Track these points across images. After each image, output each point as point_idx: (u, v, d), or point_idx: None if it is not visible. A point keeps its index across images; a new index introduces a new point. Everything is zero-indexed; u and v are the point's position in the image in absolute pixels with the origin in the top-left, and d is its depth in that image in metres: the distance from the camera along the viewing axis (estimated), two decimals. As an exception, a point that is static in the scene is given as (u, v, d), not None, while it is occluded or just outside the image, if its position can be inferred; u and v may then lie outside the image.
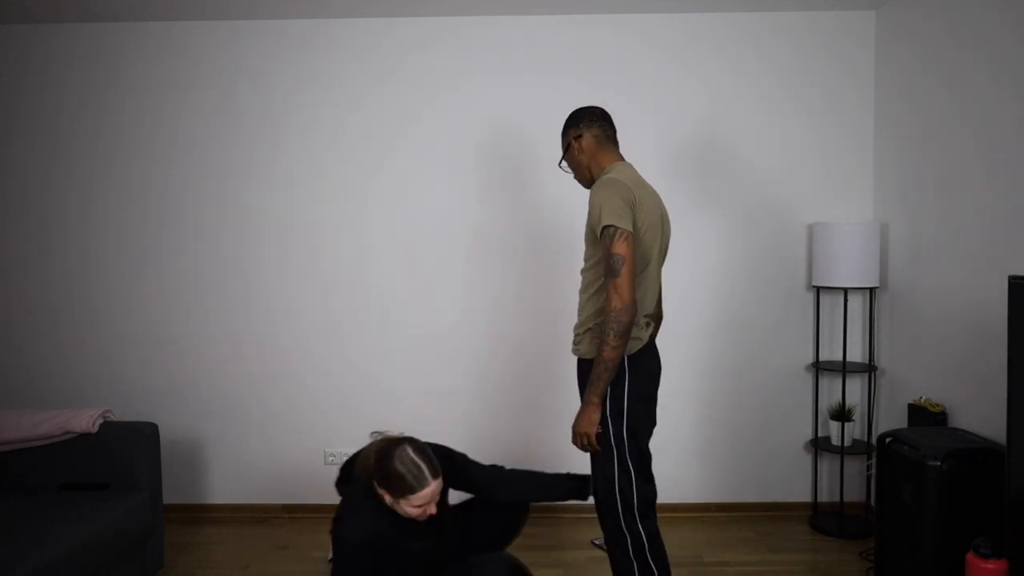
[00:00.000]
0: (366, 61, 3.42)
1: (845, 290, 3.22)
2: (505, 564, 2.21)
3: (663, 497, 3.50)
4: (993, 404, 2.59)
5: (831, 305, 3.45)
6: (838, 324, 3.44)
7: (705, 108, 3.41)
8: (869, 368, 3.28)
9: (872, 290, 3.34)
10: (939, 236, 2.92)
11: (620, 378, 2.07)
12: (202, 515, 3.51)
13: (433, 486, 2.01)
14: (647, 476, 2.14)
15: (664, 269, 3.44)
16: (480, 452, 3.49)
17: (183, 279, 3.48)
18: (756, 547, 3.13)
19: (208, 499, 3.53)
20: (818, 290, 3.40)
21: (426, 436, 3.49)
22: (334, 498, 3.43)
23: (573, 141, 2.22)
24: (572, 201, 3.43)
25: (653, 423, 2.20)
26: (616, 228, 1.96)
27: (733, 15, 3.38)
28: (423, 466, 2.01)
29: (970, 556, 2.21)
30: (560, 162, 2.34)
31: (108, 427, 2.71)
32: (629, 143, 3.42)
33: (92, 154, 3.47)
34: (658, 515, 3.46)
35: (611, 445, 2.08)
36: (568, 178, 3.43)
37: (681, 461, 3.50)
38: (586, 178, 2.25)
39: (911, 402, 2.96)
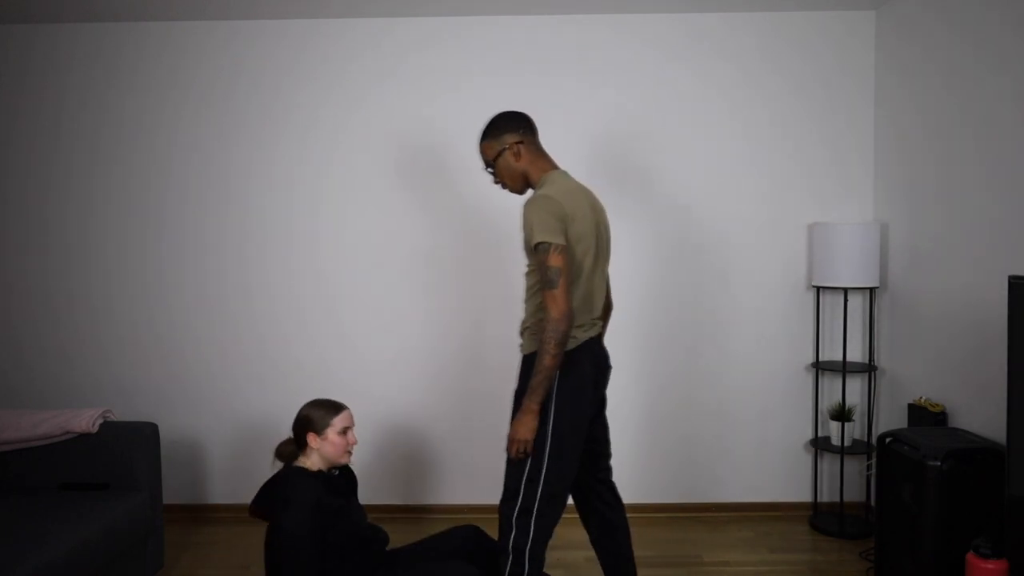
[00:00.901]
0: (366, 61, 3.42)
1: (845, 290, 3.22)
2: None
3: (664, 497, 3.50)
4: (993, 404, 2.59)
5: (831, 305, 3.45)
6: (838, 324, 3.44)
7: (705, 108, 3.41)
8: (869, 368, 3.28)
9: (872, 290, 3.34)
10: (939, 236, 2.92)
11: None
12: (202, 515, 3.51)
13: (348, 409, 2.27)
14: (563, 482, 2.11)
15: (664, 269, 3.44)
16: (481, 447, 3.49)
17: (183, 279, 3.48)
18: (756, 547, 3.13)
19: (208, 499, 3.53)
20: (818, 290, 3.40)
21: (428, 435, 3.49)
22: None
23: (513, 145, 2.17)
24: (572, 201, 3.42)
25: (589, 418, 2.16)
26: (549, 244, 2.00)
27: (733, 15, 3.38)
28: (328, 398, 2.29)
29: (970, 556, 2.21)
30: (487, 167, 2.24)
31: (108, 427, 2.71)
32: (628, 143, 3.42)
33: (92, 154, 3.46)
34: (658, 515, 3.47)
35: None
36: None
37: (681, 461, 3.50)
38: (520, 185, 2.23)
39: (911, 402, 2.96)
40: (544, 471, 2.08)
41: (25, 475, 2.69)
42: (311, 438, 2.19)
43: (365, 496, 3.48)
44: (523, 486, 2.07)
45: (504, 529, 2.10)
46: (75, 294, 3.49)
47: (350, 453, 2.24)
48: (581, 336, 2.13)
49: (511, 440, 2.05)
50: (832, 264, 3.16)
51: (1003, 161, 2.56)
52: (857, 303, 3.45)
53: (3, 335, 3.52)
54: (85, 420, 2.66)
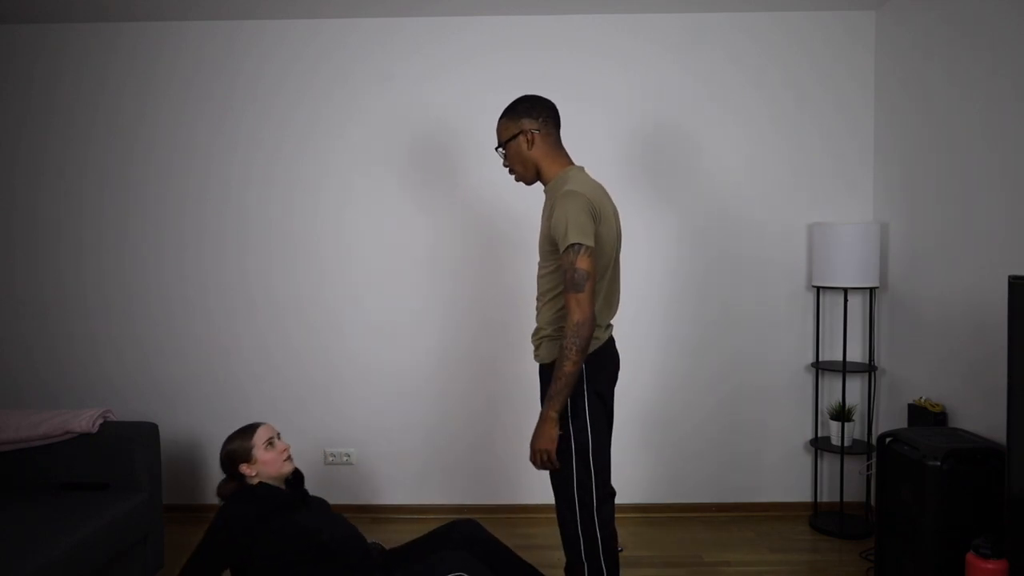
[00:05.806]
0: (367, 61, 3.42)
1: (845, 290, 3.22)
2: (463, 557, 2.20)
3: (664, 497, 3.50)
4: (993, 404, 2.59)
5: (831, 305, 3.45)
6: (838, 324, 3.44)
7: (704, 108, 3.41)
8: (869, 368, 3.28)
9: (872, 290, 3.34)
10: (939, 236, 2.92)
11: (579, 380, 2.02)
12: (202, 515, 3.51)
13: (263, 424, 2.24)
14: (607, 477, 2.10)
15: (663, 269, 3.45)
16: (488, 448, 3.49)
17: (183, 279, 3.48)
18: (756, 547, 3.13)
19: (208, 499, 3.52)
20: (818, 290, 3.40)
21: (429, 435, 3.49)
22: (333, 498, 3.43)
23: (529, 132, 2.07)
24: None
25: (611, 419, 2.17)
26: (582, 245, 1.91)
27: (732, 15, 3.38)
28: (239, 428, 2.26)
29: (970, 556, 2.21)
30: (498, 147, 2.14)
31: (108, 427, 2.71)
32: (624, 142, 3.41)
33: (91, 155, 3.46)
34: (658, 515, 3.47)
35: (571, 449, 2.03)
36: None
37: (681, 461, 3.50)
38: (530, 175, 2.14)
39: (911, 402, 2.96)
40: (593, 472, 2.04)
41: (25, 475, 2.68)
42: (244, 468, 2.18)
43: (373, 497, 3.48)
44: (577, 493, 2.03)
45: (571, 541, 2.06)
46: (75, 294, 3.49)
47: (290, 459, 2.22)
48: (603, 336, 2.09)
49: (533, 450, 1.99)
50: (832, 264, 3.16)
51: (1003, 161, 2.56)
52: (857, 303, 3.45)
53: (4, 335, 3.52)
54: (85, 420, 2.66)
